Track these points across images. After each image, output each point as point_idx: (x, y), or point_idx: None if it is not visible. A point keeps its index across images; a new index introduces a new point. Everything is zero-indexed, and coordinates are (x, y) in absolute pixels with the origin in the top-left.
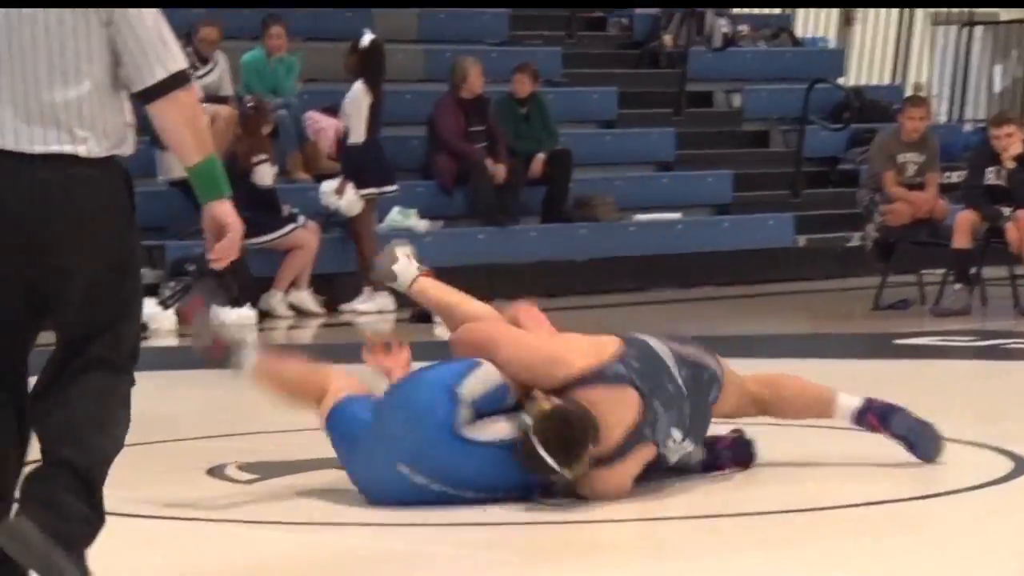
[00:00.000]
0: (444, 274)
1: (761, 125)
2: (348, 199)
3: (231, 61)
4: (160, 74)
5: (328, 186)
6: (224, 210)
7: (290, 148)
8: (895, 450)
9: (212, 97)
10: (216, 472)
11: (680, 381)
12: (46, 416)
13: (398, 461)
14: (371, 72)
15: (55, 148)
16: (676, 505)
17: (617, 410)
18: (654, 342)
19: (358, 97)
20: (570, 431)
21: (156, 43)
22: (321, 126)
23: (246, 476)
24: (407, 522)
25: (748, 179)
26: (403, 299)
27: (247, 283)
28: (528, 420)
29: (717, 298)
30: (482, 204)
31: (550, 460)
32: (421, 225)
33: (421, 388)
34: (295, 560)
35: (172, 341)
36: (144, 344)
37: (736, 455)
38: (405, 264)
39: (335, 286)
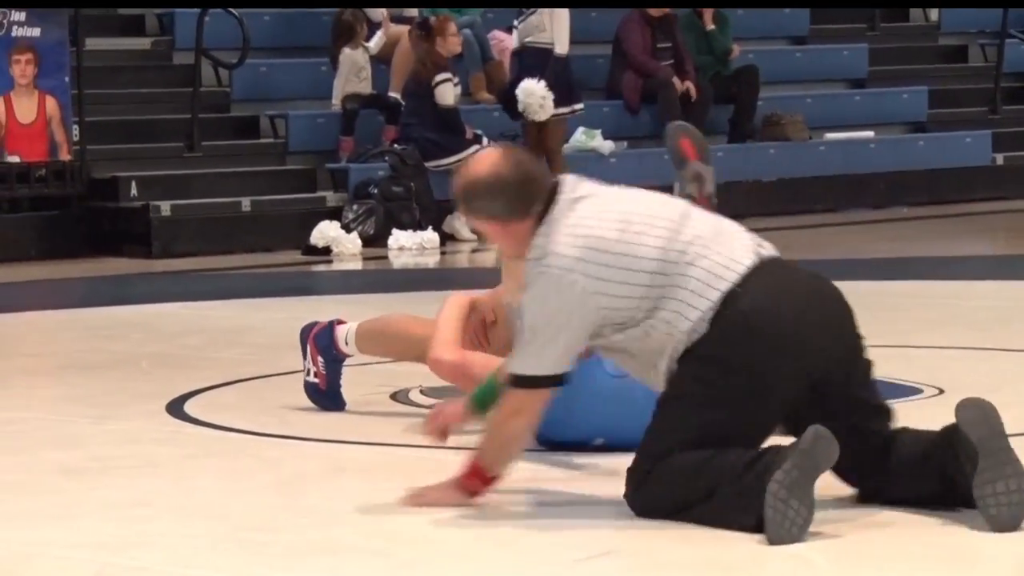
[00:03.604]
0: None
1: (959, 39)
2: (548, 106)
3: None
4: None
5: (533, 85)
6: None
7: (474, 69)
8: None
9: (398, 18)
10: (400, 397)
11: None
12: None
13: (602, 434)
14: None
15: None
16: None
17: None
18: None
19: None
20: None
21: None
22: (506, 45)
23: (429, 400)
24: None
25: (944, 95)
26: None
27: (429, 206)
28: None
29: (912, 219)
30: (669, 123)
31: None
32: (606, 146)
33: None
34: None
35: (356, 265)
36: (328, 267)
37: None
38: None
39: None
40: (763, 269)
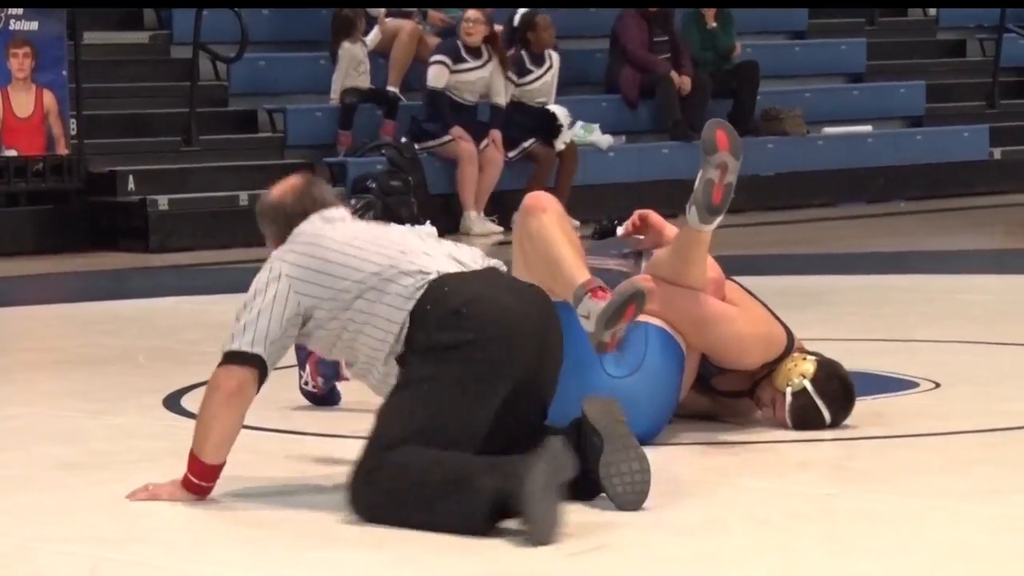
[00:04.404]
0: (627, 190)
1: (957, 34)
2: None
3: None
4: None
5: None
6: None
7: None
8: None
9: (396, 12)
10: None
11: None
12: None
13: None
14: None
15: None
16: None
17: None
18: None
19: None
20: (847, 380)
21: None
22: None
23: None
24: None
25: (942, 90)
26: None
27: (427, 200)
28: (797, 380)
29: (909, 213)
30: (667, 118)
31: (826, 413)
32: (604, 140)
33: (660, 405)
34: None
35: None
36: None
37: None
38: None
39: (507, 205)
40: (476, 274)
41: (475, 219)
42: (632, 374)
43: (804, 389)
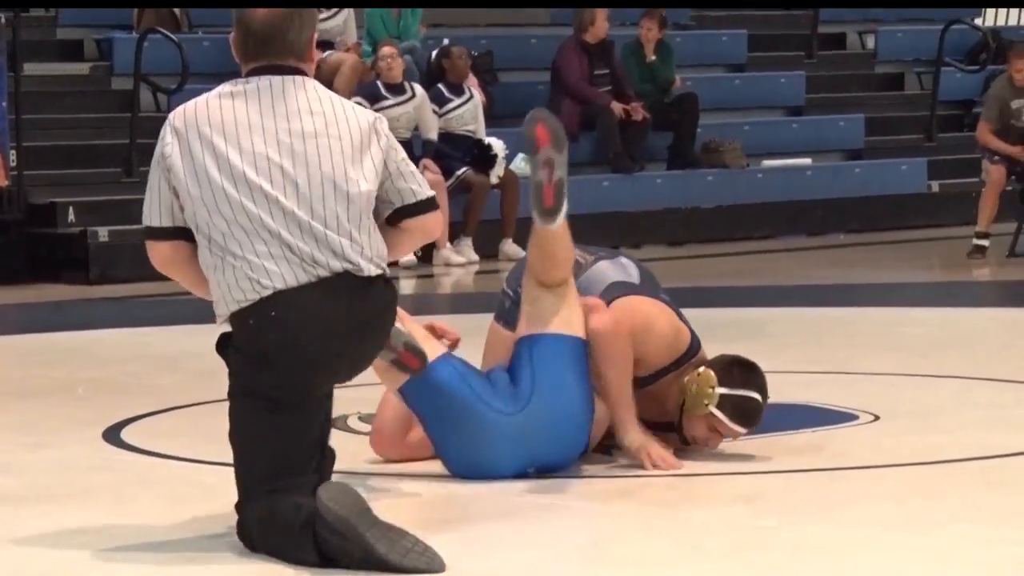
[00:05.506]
0: (568, 222)
1: (895, 67)
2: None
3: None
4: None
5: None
6: None
7: None
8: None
9: (331, 43)
10: (339, 423)
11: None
12: None
13: (529, 464)
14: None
15: None
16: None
17: None
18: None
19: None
20: (738, 358)
21: None
22: None
23: (366, 427)
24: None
25: (881, 123)
26: (490, 250)
27: None
28: (709, 391)
29: (848, 245)
30: (607, 150)
31: (754, 395)
32: None
33: (568, 417)
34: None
35: None
36: None
37: None
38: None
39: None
40: (310, 287)
41: (449, 251)
42: (527, 405)
43: (722, 395)
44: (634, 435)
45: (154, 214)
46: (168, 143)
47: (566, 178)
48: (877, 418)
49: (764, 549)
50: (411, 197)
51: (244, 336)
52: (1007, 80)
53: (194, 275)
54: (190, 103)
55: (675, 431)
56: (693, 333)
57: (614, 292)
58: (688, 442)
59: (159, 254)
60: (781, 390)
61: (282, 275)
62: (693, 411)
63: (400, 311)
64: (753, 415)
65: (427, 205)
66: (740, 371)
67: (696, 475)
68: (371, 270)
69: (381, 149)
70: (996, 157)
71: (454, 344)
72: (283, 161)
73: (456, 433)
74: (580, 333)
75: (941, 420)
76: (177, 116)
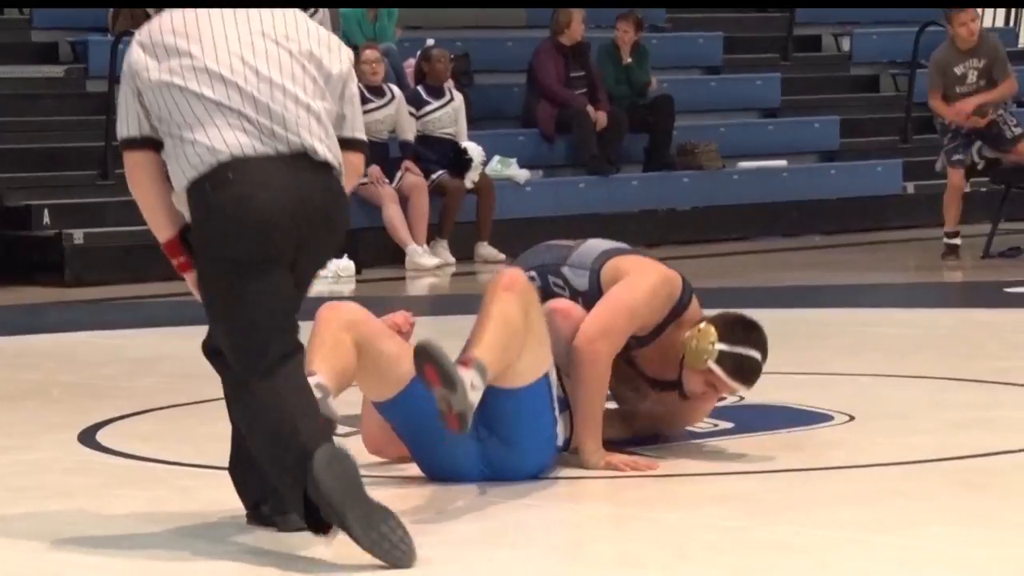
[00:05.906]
0: (544, 224)
1: (870, 69)
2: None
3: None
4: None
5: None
6: None
7: None
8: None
9: None
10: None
11: None
12: None
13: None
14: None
15: None
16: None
17: None
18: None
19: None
20: (741, 316)
21: None
22: None
23: (344, 430)
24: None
25: (856, 125)
26: (465, 253)
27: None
28: (709, 348)
29: (824, 247)
30: (584, 152)
31: (754, 353)
32: (521, 175)
33: (531, 446)
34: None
35: None
36: None
37: None
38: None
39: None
40: (260, 161)
41: (421, 253)
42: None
43: (722, 351)
44: (595, 458)
45: (123, 125)
46: (134, 55)
47: (470, 406)
48: (852, 419)
49: (740, 549)
50: (350, 131)
51: (201, 200)
52: (949, 43)
53: (159, 190)
54: (154, 19)
55: (677, 389)
56: (684, 278)
57: (608, 256)
58: (687, 397)
59: (131, 162)
60: (756, 391)
61: (240, 144)
62: (692, 365)
63: (367, 314)
64: (752, 373)
65: (361, 144)
66: (742, 329)
67: (673, 475)
68: (328, 158)
69: (344, 72)
70: (955, 158)
71: (410, 329)
72: (244, 52)
73: (427, 451)
74: (544, 369)
75: (916, 421)
76: (142, 31)
